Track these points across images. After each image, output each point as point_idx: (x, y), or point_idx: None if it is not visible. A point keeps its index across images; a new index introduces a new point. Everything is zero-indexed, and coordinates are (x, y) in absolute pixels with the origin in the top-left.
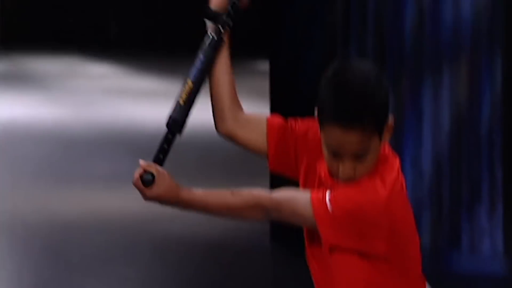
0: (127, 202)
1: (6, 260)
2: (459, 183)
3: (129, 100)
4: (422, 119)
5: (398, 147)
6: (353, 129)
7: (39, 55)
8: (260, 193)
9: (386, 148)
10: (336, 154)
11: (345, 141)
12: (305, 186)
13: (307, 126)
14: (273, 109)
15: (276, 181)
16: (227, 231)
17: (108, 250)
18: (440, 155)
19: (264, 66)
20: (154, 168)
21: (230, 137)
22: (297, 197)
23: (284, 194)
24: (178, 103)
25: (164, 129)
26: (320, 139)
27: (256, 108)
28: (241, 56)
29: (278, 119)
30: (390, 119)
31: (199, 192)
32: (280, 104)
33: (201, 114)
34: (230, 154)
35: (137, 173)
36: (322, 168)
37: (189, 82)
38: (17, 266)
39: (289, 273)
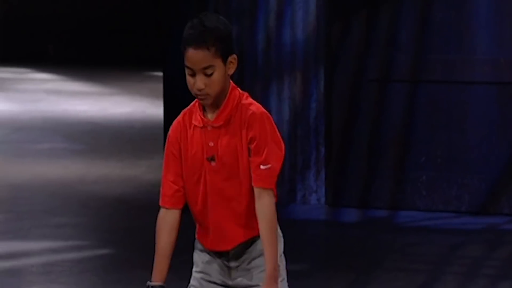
0: (63, 169)
1: None
2: (295, 155)
3: (64, 98)
4: (270, 111)
5: None
6: (200, 48)
7: None
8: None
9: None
10: (191, 73)
11: (196, 58)
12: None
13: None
14: (166, 104)
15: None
16: (141, 188)
17: (48, 204)
18: (282, 136)
19: (160, 73)
20: None
21: None
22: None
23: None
24: None
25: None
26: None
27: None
28: (143, 67)
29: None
30: (234, 55)
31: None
32: (171, 100)
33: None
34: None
35: None
36: (197, 119)
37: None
38: None
39: None
